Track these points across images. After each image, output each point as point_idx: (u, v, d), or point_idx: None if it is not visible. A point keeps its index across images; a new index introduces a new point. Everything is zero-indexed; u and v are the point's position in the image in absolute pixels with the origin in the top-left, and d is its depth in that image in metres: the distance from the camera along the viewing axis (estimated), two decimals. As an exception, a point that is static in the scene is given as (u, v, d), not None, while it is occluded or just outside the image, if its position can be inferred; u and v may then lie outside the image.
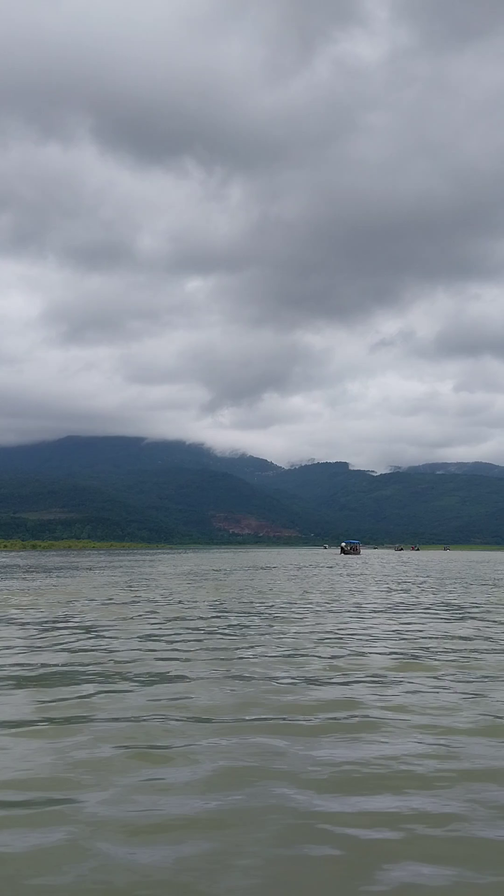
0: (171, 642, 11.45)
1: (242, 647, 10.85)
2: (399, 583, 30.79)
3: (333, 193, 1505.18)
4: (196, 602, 19.37)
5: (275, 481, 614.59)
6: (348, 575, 37.44)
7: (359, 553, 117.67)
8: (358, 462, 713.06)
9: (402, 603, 19.71)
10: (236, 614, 15.91)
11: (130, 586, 26.71)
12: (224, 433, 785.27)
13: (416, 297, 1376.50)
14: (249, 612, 16.45)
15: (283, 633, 12.58)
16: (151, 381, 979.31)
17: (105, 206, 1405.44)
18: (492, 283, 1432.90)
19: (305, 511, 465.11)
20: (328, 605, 18.46)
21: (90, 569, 44.31)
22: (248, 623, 14.05)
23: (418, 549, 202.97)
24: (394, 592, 24.86)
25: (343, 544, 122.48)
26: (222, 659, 9.75)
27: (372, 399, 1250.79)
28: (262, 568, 43.22)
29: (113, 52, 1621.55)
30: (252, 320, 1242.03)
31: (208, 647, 10.91)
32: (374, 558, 79.39)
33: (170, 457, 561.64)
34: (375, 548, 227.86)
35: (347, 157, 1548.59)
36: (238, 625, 13.81)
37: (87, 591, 23.97)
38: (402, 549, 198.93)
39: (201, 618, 15.16)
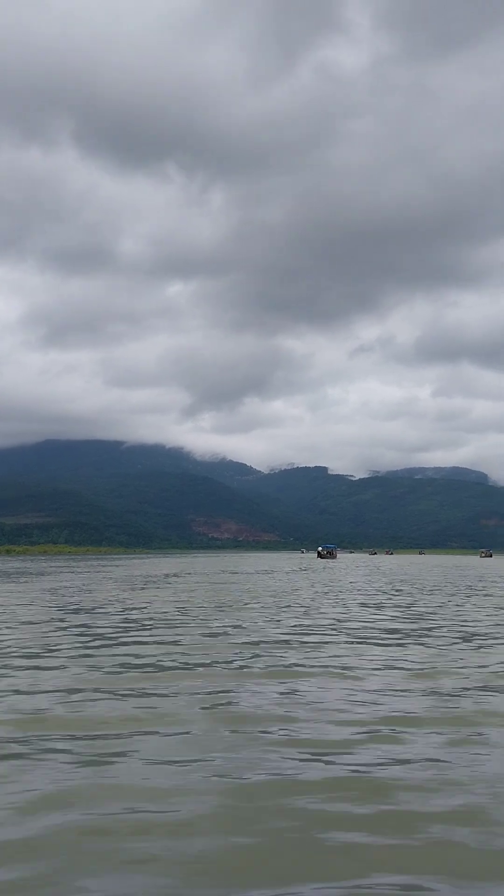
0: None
1: None
2: (340, 594, 31.87)
3: (315, 199, 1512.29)
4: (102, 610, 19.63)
5: (255, 485, 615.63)
6: (288, 587, 38.39)
7: (335, 557, 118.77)
8: (337, 466, 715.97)
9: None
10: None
11: (59, 593, 27.12)
12: (204, 437, 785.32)
13: (396, 303, 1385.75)
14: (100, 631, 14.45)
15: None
16: (132, 384, 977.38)
17: (86, 210, 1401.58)
18: (470, 289, 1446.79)
19: (285, 515, 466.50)
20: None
21: (41, 574, 44.67)
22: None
23: (392, 554, 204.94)
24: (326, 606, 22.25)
25: (320, 549, 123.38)
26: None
27: (352, 404, 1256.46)
28: (221, 573, 44.14)
29: (96, 56, 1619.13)
30: (234, 325, 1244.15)
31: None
32: (349, 563, 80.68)
33: (150, 461, 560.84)
34: (352, 552, 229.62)
35: (329, 163, 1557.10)
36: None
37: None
38: (375, 554, 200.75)
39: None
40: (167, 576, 41.10)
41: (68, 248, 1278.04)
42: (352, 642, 12.90)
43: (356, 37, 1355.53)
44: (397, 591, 28.91)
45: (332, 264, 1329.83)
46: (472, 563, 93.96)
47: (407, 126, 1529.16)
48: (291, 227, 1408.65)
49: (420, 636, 13.97)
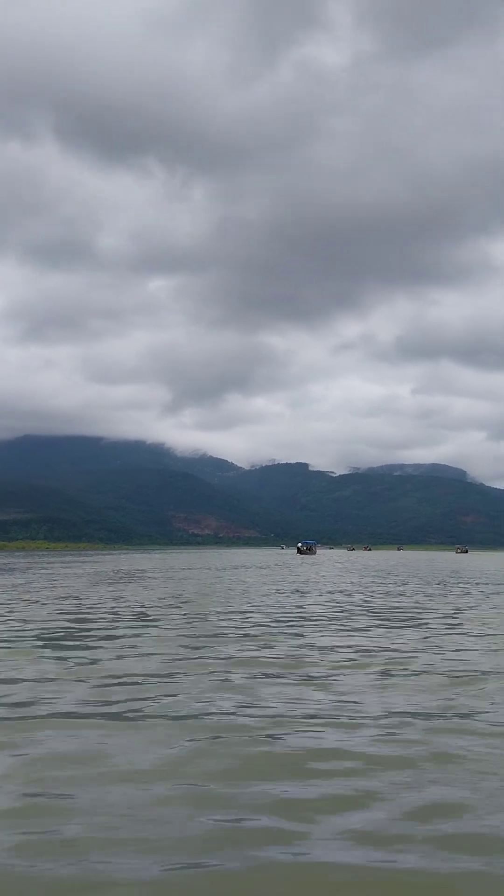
0: None
1: None
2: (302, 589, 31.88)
3: (296, 197, 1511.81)
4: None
5: (236, 482, 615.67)
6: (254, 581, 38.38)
7: (315, 553, 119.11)
8: (318, 463, 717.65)
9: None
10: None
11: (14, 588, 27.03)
12: (185, 433, 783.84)
13: (377, 301, 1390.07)
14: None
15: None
16: (112, 380, 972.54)
17: (66, 204, 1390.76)
18: (450, 288, 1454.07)
19: (266, 511, 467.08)
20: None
21: (9, 570, 44.42)
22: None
23: (370, 549, 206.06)
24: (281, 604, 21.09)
25: (299, 545, 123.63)
26: None
27: (333, 401, 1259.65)
28: (185, 569, 43.99)
29: (77, 50, 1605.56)
30: (215, 321, 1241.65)
31: None
32: (325, 559, 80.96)
33: (130, 457, 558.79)
34: (332, 548, 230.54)
35: (310, 160, 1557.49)
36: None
37: None
38: (353, 549, 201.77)
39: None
40: (130, 573, 40.98)
41: (48, 242, 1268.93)
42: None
43: (338, 34, 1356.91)
44: (349, 585, 28.89)
45: (314, 262, 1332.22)
46: (446, 559, 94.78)
47: (387, 124, 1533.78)
48: (273, 224, 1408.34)
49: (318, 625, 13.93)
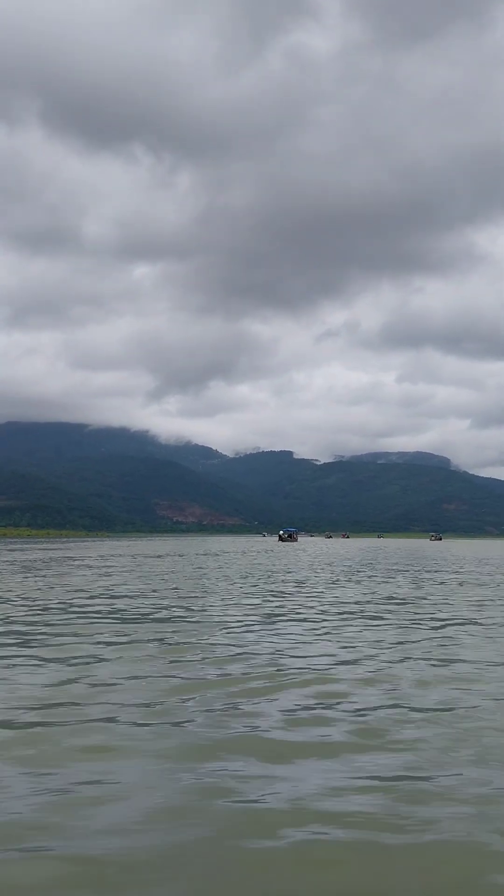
0: None
1: None
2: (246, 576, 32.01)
3: (281, 185, 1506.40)
4: None
5: (220, 469, 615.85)
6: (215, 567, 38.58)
7: (296, 540, 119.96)
8: (302, 451, 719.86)
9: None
10: None
11: None
12: (169, 421, 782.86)
13: (362, 289, 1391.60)
14: None
15: None
16: (96, 367, 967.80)
17: (50, 190, 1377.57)
18: (435, 276, 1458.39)
19: (250, 499, 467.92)
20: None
21: None
22: None
23: (348, 537, 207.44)
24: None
25: (281, 532, 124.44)
26: None
27: (317, 389, 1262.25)
28: (154, 557, 44.33)
29: (63, 35, 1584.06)
30: (199, 309, 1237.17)
31: None
32: (299, 547, 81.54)
33: (114, 444, 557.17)
34: (312, 535, 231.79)
35: (296, 149, 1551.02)
36: None
37: None
38: (331, 537, 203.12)
39: None
40: (100, 557, 41.20)
41: (32, 228, 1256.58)
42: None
43: (327, 23, 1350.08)
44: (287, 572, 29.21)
45: (299, 250, 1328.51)
46: (418, 546, 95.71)
47: (374, 114, 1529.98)
48: (258, 212, 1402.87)
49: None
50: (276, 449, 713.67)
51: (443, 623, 12.17)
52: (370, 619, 12.70)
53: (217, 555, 46.30)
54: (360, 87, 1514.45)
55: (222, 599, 16.09)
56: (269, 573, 27.13)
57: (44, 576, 24.63)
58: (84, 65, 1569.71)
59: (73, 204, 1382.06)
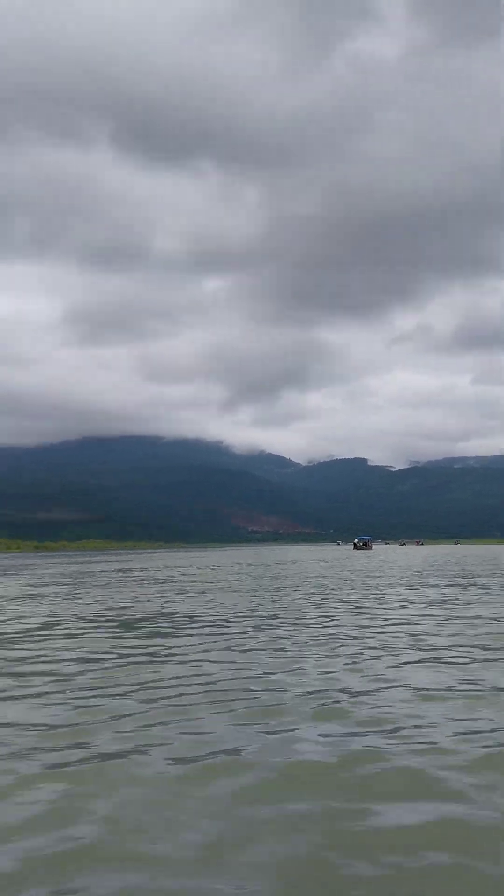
0: None
1: None
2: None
3: (348, 190, 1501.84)
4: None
5: (293, 478, 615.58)
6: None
7: (371, 548, 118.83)
8: (376, 457, 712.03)
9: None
10: None
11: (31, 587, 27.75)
12: (242, 431, 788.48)
13: (433, 292, 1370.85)
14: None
15: None
16: (169, 380, 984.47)
17: (122, 209, 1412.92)
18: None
19: (324, 508, 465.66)
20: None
21: (39, 568, 45.55)
22: None
23: (422, 544, 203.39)
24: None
25: (356, 540, 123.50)
26: None
27: (390, 394, 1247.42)
28: (278, 563, 44.32)
29: (129, 55, 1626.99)
30: (269, 318, 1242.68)
31: None
32: (374, 554, 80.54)
33: (187, 455, 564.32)
34: (387, 543, 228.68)
35: (362, 153, 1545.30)
36: None
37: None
38: (405, 544, 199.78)
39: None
40: (172, 568, 41.72)
41: (105, 246, 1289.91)
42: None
43: (390, 26, 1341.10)
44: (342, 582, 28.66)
45: (368, 255, 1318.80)
46: (497, 553, 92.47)
47: (440, 115, 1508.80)
48: (325, 219, 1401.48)
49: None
50: (350, 456, 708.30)
51: None
52: None
53: (324, 562, 46.14)
54: (426, 88, 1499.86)
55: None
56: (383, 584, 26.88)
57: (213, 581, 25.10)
58: (150, 84, 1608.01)
59: (144, 221, 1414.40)
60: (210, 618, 13.48)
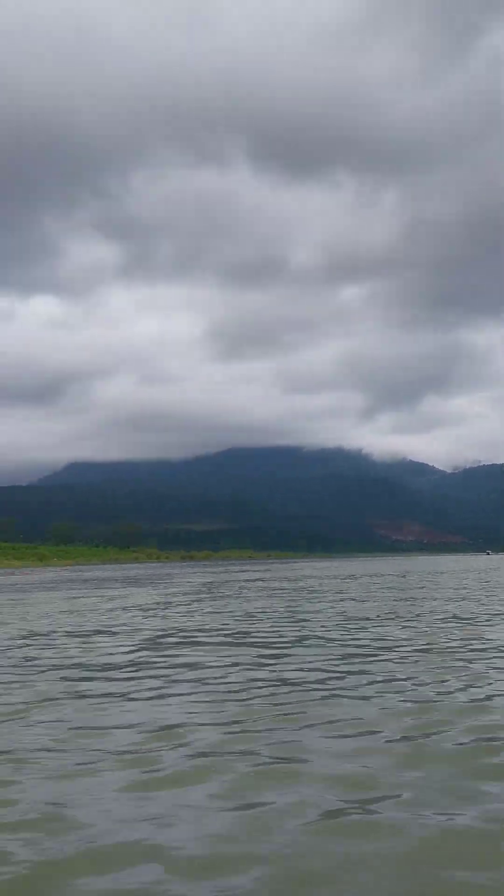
0: None
1: None
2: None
3: (488, 189, 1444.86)
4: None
5: (438, 486, 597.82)
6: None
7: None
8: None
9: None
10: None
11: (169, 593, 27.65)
12: (383, 438, 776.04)
13: None
14: None
15: None
16: (309, 390, 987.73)
17: (259, 224, 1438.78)
18: None
19: (471, 516, 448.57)
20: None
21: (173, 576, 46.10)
22: None
23: None
24: None
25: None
26: None
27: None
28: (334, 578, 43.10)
29: (263, 71, 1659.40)
30: (409, 323, 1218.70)
31: None
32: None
33: (328, 464, 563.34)
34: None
35: (503, 151, 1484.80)
36: None
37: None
38: None
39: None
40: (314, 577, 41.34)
41: (244, 262, 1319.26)
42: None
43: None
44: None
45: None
46: None
47: None
48: (464, 220, 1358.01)
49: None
50: (498, 462, 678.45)
51: None
52: None
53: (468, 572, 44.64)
54: None
55: None
56: None
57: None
58: (284, 98, 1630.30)
59: (281, 234, 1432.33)
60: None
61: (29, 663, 9.48)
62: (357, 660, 8.93)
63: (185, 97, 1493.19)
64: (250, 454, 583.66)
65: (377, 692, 6.92)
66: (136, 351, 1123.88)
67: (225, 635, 12.21)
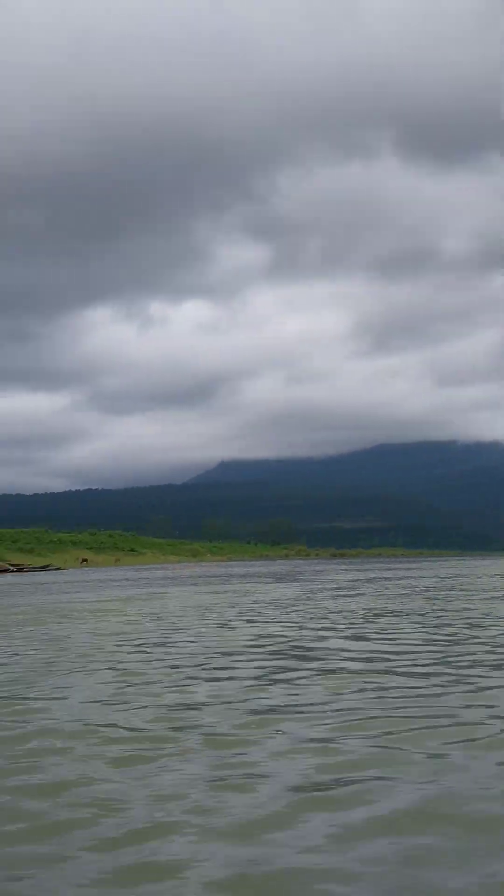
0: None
1: None
2: None
3: None
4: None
5: None
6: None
7: None
8: None
9: None
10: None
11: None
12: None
13: None
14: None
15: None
16: (461, 382, 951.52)
17: (408, 214, 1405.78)
18: None
19: None
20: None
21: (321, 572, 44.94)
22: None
23: None
24: None
25: None
26: None
27: None
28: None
29: (408, 60, 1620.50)
30: None
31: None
32: None
33: (484, 459, 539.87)
34: None
35: None
36: None
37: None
38: None
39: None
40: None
41: (392, 254, 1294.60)
42: None
43: None
44: None
45: None
46: None
47: None
48: None
49: None
50: None
51: None
52: None
53: None
54: None
55: None
56: None
57: None
58: (430, 86, 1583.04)
59: (431, 223, 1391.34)
60: None
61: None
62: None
63: (329, 93, 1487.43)
64: (401, 450, 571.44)
65: None
66: (283, 350, 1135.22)
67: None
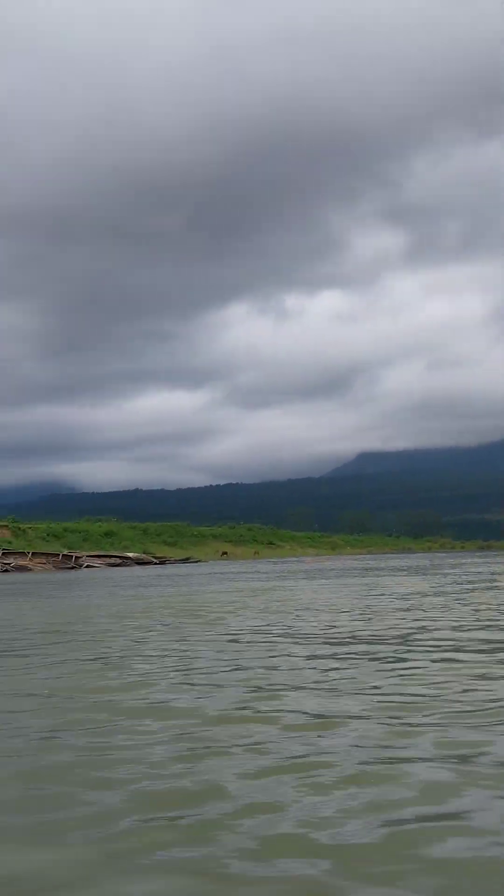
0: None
1: None
2: None
3: None
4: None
5: None
6: None
7: None
8: None
9: None
10: None
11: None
12: None
13: None
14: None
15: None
16: None
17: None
18: None
19: None
20: None
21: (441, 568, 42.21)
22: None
23: None
24: None
25: None
26: None
27: None
28: None
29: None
30: None
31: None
32: None
33: None
34: None
35: None
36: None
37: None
38: None
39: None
40: None
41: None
42: None
43: None
44: None
45: None
46: None
47: None
48: None
49: None
50: None
51: None
52: None
53: None
54: None
55: None
56: None
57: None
58: None
59: None
60: None
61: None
62: None
63: (462, 73, 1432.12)
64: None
65: None
66: (423, 336, 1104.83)
67: None
